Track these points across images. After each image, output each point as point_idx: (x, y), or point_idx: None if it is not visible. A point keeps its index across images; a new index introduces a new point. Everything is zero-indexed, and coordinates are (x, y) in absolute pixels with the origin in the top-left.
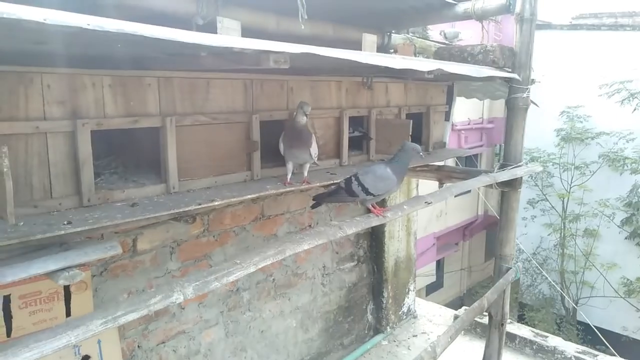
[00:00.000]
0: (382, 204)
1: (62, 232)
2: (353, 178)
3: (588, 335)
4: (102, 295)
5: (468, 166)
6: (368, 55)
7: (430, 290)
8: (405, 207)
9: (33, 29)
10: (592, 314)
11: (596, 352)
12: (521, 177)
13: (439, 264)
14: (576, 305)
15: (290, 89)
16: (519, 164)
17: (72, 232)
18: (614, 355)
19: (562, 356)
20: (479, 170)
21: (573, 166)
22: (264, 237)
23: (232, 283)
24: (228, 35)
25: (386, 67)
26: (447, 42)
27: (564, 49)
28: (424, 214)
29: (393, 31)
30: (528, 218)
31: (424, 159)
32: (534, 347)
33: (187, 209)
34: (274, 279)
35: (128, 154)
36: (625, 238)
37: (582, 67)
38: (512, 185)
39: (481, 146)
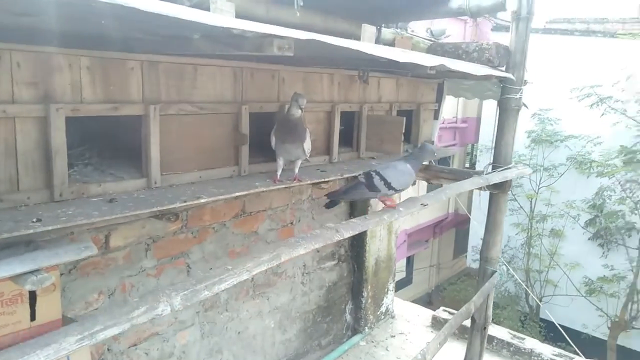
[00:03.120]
0: (366, 204)
1: (31, 230)
2: (373, 173)
3: (550, 333)
4: (70, 295)
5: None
6: (377, 47)
7: (400, 286)
8: (401, 209)
9: None
10: (554, 312)
11: (571, 355)
12: (511, 180)
13: (409, 261)
14: (540, 302)
15: (281, 80)
16: (508, 166)
17: (42, 230)
18: (579, 354)
19: (539, 359)
20: (467, 171)
21: (542, 167)
22: (244, 234)
23: None
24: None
25: (387, 61)
26: (433, 39)
27: (538, 52)
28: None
29: (383, 25)
30: None
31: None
32: (511, 349)
33: (170, 206)
34: (252, 278)
35: (104, 143)
36: (589, 239)
37: (555, 71)
38: (501, 187)
39: (455, 145)
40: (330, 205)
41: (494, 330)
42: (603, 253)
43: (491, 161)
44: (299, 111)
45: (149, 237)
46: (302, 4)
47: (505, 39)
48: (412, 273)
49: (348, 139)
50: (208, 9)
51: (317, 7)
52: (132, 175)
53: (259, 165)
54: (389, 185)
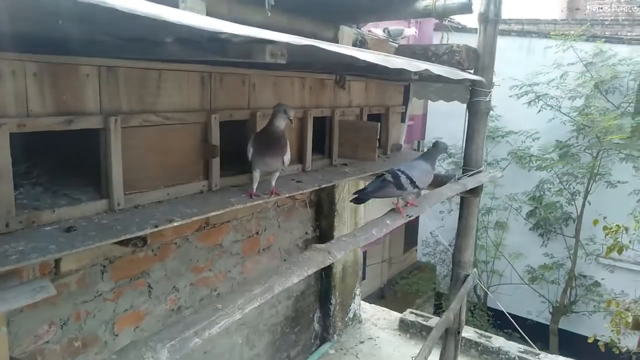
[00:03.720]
0: (332, 209)
1: None
2: (399, 173)
3: (498, 320)
4: (16, 330)
5: None
6: (371, 54)
7: None
8: (388, 221)
9: None
10: (501, 300)
11: (537, 351)
12: (482, 184)
13: (363, 257)
14: (488, 291)
15: (252, 85)
16: (479, 169)
17: None
18: (527, 339)
19: (507, 356)
20: (442, 175)
21: (486, 162)
22: (208, 248)
23: (172, 301)
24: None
25: (367, 65)
26: (391, 39)
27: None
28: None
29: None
30: (445, 212)
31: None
32: (479, 348)
33: (140, 233)
34: (218, 294)
35: (53, 158)
36: (530, 229)
37: (495, 70)
38: (473, 191)
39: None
40: (359, 202)
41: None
42: (543, 242)
43: (462, 165)
44: (284, 123)
45: (104, 258)
46: (273, 3)
47: (443, 39)
48: (365, 269)
49: (319, 145)
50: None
51: (280, 6)
52: (91, 196)
53: (230, 178)
54: (414, 184)
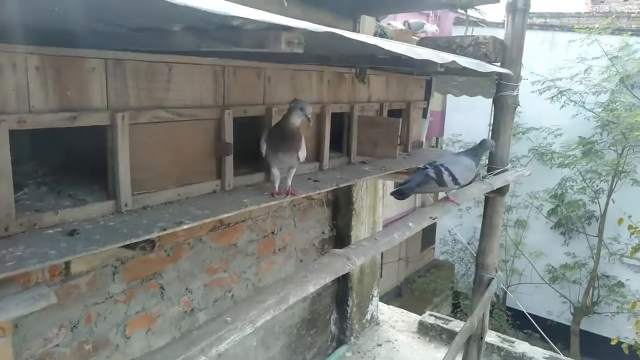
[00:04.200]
0: (349, 208)
1: None
2: (442, 168)
3: (517, 321)
4: (24, 332)
5: None
6: (394, 44)
7: None
8: (410, 224)
9: None
10: (520, 300)
11: (563, 357)
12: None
13: (380, 256)
14: (507, 291)
15: (267, 79)
16: (505, 167)
17: None
18: (546, 340)
19: None
20: None
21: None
22: (222, 248)
23: (186, 303)
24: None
25: (390, 57)
26: (412, 32)
27: None
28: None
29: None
30: (463, 209)
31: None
32: (502, 353)
33: (147, 237)
34: (232, 295)
35: (60, 157)
36: (551, 228)
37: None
38: (499, 190)
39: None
40: (402, 197)
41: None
42: (565, 241)
43: (486, 163)
44: (300, 120)
45: (116, 259)
46: None
47: (468, 31)
48: (381, 267)
49: (337, 142)
50: None
51: None
52: (97, 197)
53: (244, 177)
54: (455, 181)
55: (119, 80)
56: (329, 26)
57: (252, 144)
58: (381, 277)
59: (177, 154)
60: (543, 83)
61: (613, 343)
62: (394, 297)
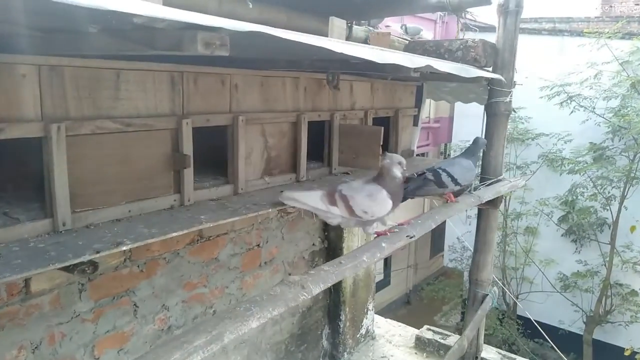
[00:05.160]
0: None
1: None
2: (440, 170)
3: (528, 329)
4: None
5: None
6: (348, 45)
7: (378, 288)
8: (383, 244)
9: None
10: (531, 309)
11: None
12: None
13: (387, 263)
14: (517, 300)
15: (234, 86)
16: (499, 177)
17: None
18: (555, 349)
19: None
20: None
21: (515, 166)
22: (202, 262)
23: (162, 320)
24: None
25: (362, 62)
26: (408, 38)
27: None
28: None
29: (354, 23)
30: (472, 216)
31: None
32: None
33: (76, 260)
34: (215, 311)
35: (4, 172)
36: (562, 235)
37: (524, 70)
38: (491, 202)
39: (428, 145)
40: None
41: (483, 351)
42: (576, 249)
43: (479, 173)
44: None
45: (82, 276)
46: None
47: (459, 35)
48: (389, 275)
49: (318, 152)
50: None
51: (279, 1)
52: (32, 216)
53: (208, 190)
54: (455, 182)
55: (56, 88)
56: (317, 31)
57: (221, 155)
58: (389, 284)
59: (128, 167)
60: (552, 89)
61: (627, 354)
62: (403, 304)
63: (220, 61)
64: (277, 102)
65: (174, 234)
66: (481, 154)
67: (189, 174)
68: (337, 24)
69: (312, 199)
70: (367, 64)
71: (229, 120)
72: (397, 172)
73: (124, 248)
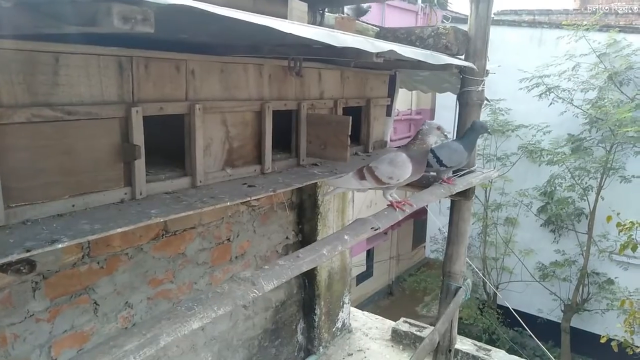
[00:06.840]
0: (315, 211)
1: None
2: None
3: (508, 319)
4: None
5: None
6: (292, 24)
7: (361, 279)
8: (346, 237)
9: None
10: (511, 298)
11: None
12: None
13: (369, 254)
14: (497, 289)
15: (190, 72)
16: (471, 168)
17: None
18: (533, 338)
19: None
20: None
21: (495, 157)
22: (168, 258)
23: (125, 318)
24: None
25: (324, 47)
26: (357, 19)
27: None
28: (354, 204)
29: (327, 10)
30: None
31: None
32: None
33: (2, 260)
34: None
35: None
36: (541, 225)
37: (504, 62)
38: (464, 194)
39: (409, 137)
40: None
41: (458, 343)
42: (555, 239)
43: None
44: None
45: (37, 273)
46: None
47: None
48: (372, 266)
49: (286, 143)
50: None
51: None
52: None
53: (163, 183)
54: (440, 162)
55: None
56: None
57: (178, 145)
58: (372, 275)
59: (72, 158)
60: (531, 80)
61: (602, 341)
62: (386, 295)
63: (174, 46)
64: (239, 90)
65: (119, 230)
66: (477, 138)
67: (140, 165)
68: (296, 6)
69: (348, 181)
70: (328, 50)
71: (185, 108)
72: (432, 138)
73: (60, 246)
